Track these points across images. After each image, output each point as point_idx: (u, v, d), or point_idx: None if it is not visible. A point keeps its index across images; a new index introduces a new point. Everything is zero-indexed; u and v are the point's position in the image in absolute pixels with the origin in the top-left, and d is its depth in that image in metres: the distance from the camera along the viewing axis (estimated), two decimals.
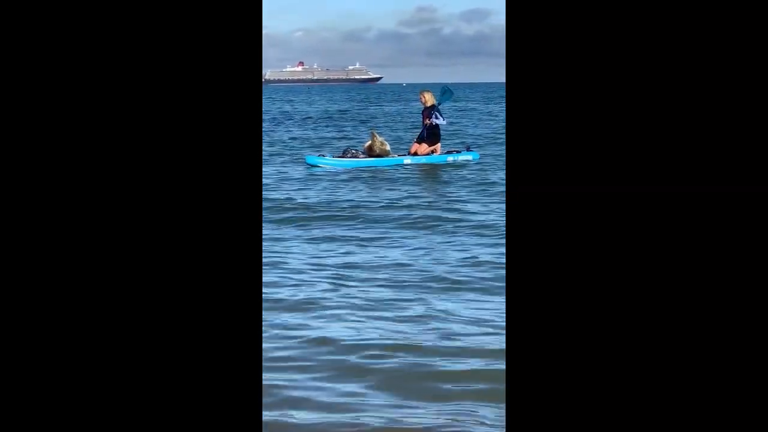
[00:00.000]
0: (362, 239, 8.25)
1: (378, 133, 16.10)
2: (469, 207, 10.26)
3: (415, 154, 15.52)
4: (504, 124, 27.12)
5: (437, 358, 4.61)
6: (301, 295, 5.97)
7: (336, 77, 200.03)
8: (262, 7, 2.30)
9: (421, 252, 7.61)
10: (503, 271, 6.06)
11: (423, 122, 15.68)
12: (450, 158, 15.54)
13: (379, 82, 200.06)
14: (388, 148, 15.43)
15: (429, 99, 15.68)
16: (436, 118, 15.47)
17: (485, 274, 6.56)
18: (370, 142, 15.49)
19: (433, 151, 15.55)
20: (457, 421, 3.85)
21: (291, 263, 7.09)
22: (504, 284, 4.18)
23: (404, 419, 3.87)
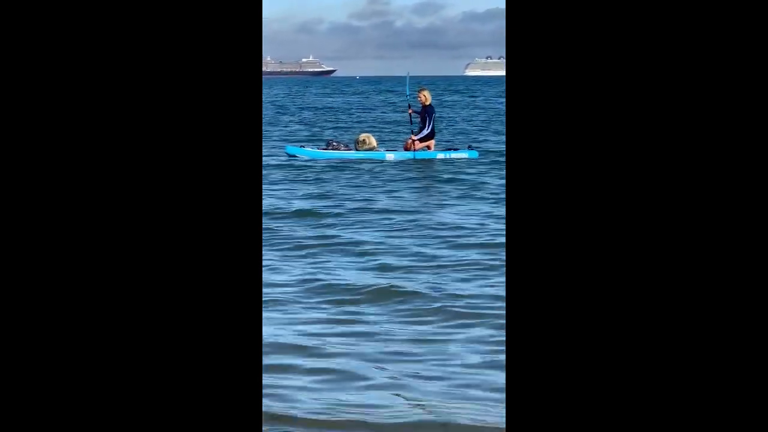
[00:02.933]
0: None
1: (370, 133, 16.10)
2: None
3: (407, 149, 15.42)
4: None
5: None
6: None
7: (290, 70, 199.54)
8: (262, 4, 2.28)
9: None
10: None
11: (419, 117, 15.41)
12: (441, 155, 15.28)
13: (332, 75, 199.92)
14: (375, 144, 15.42)
15: (427, 98, 15.50)
16: (429, 121, 15.25)
17: None
18: (362, 137, 15.51)
19: (427, 147, 15.46)
20: None
21: None
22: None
23: None
